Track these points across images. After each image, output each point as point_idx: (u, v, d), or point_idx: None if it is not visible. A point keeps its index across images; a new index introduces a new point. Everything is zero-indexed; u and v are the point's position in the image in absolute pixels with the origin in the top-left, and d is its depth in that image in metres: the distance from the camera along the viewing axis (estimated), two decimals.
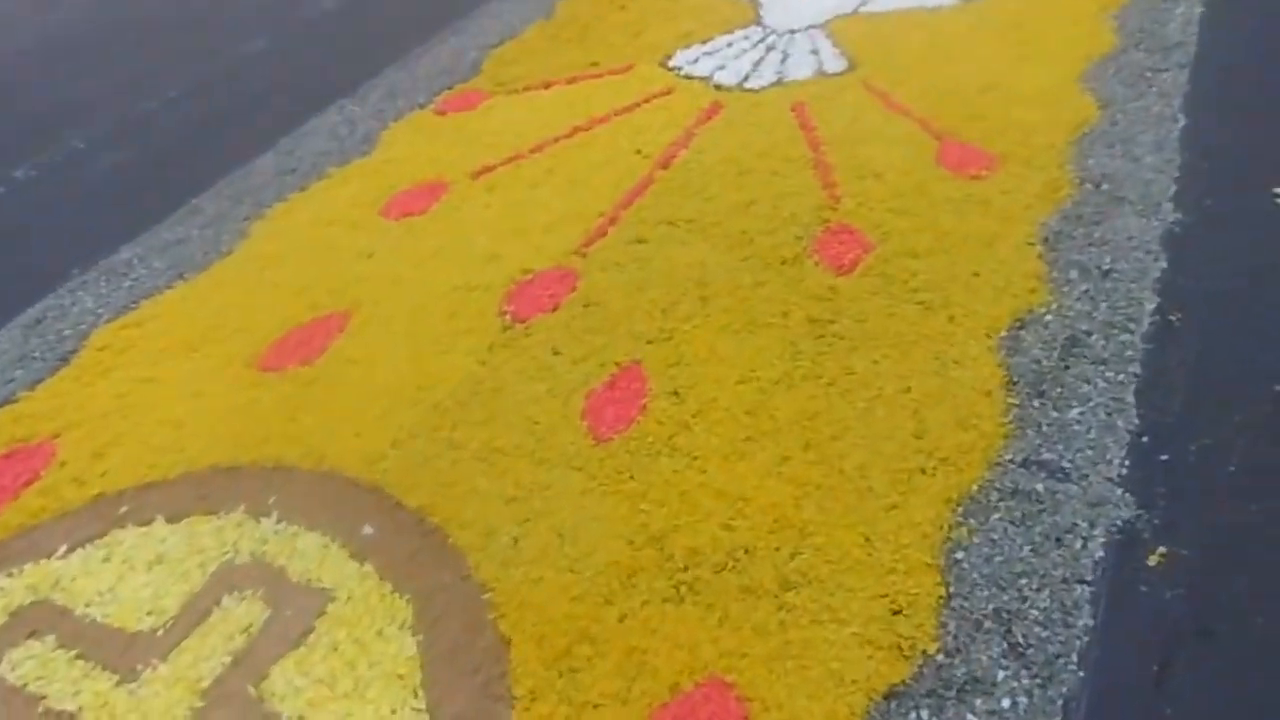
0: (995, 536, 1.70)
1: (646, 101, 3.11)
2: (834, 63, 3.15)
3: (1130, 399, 1.91)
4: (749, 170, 2.71)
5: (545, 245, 2.57)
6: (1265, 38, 2.93)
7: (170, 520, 1.96)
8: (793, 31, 3.38)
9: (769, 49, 3.30)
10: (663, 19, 3.61)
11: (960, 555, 1.67)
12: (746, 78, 3.15)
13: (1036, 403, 1.93)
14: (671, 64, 3.32)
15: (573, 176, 2.82)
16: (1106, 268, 2.22)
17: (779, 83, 3.11)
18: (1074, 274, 2.21)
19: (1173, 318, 2.08)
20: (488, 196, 2.81)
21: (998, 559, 1.66)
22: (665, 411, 2.03)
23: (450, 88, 3.44)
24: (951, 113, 2.81)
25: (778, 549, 1.73)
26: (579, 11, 3.79)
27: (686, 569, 1.72)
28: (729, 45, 3.36)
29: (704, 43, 3.40)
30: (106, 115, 3.62)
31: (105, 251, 2.80)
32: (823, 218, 2.49)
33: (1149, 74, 2.86)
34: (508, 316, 2.36)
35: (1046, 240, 2.32)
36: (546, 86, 3.32)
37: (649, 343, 2.22)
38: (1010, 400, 1.94)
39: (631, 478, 1.91)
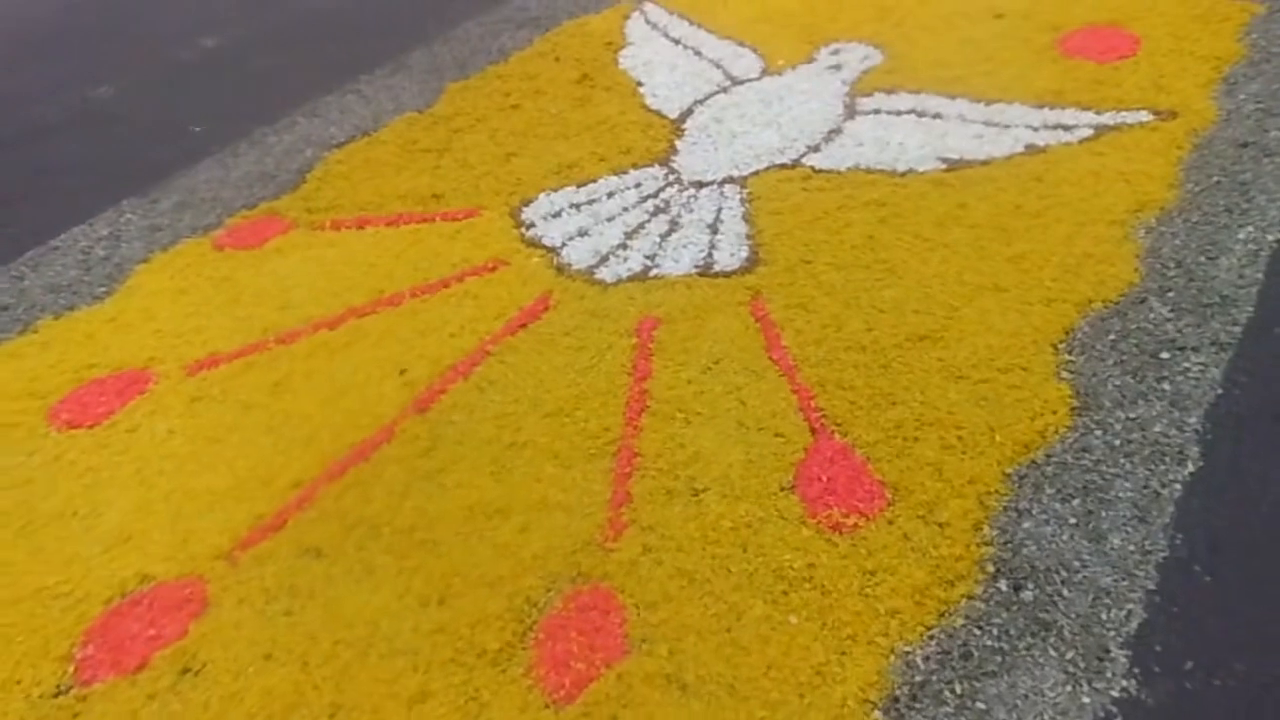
0: None
1: (461, 280, 2.26)
2: (730, 250, 2.24)
3: None
4: (525, 443, 1.84)
5: (195, 532, 1.77)
6: None
7: None
8: (701, 185, 2.46)
9: (657, 210, 2.39)
10: (552, 135, 2.73)
11: None
12: (604, 259, 2.27)
13: None
14: (525, 214, 2.44)
15: (298, 402, 2.00)
16: None
17: (642, 275, 2.21)
18: None
19: None
20: (180, 416, 2.01)
21: None
22: None
23: (253, 206, 2.64)
24: (852, 384, 1.88)
25: None
26: (461, 107, 2.93)
27: None
28: (609, 195, 2.47)
29: (581, 185, 2.51)
30: None
31: None
32: (580, 569, 1.62)
33: (1167, 354, 1.88)
34: (72, 670, 1.57)
35: (897, 703, 1.40)
36: (360, 225, 2.49)
37: None
38: None
39: None
